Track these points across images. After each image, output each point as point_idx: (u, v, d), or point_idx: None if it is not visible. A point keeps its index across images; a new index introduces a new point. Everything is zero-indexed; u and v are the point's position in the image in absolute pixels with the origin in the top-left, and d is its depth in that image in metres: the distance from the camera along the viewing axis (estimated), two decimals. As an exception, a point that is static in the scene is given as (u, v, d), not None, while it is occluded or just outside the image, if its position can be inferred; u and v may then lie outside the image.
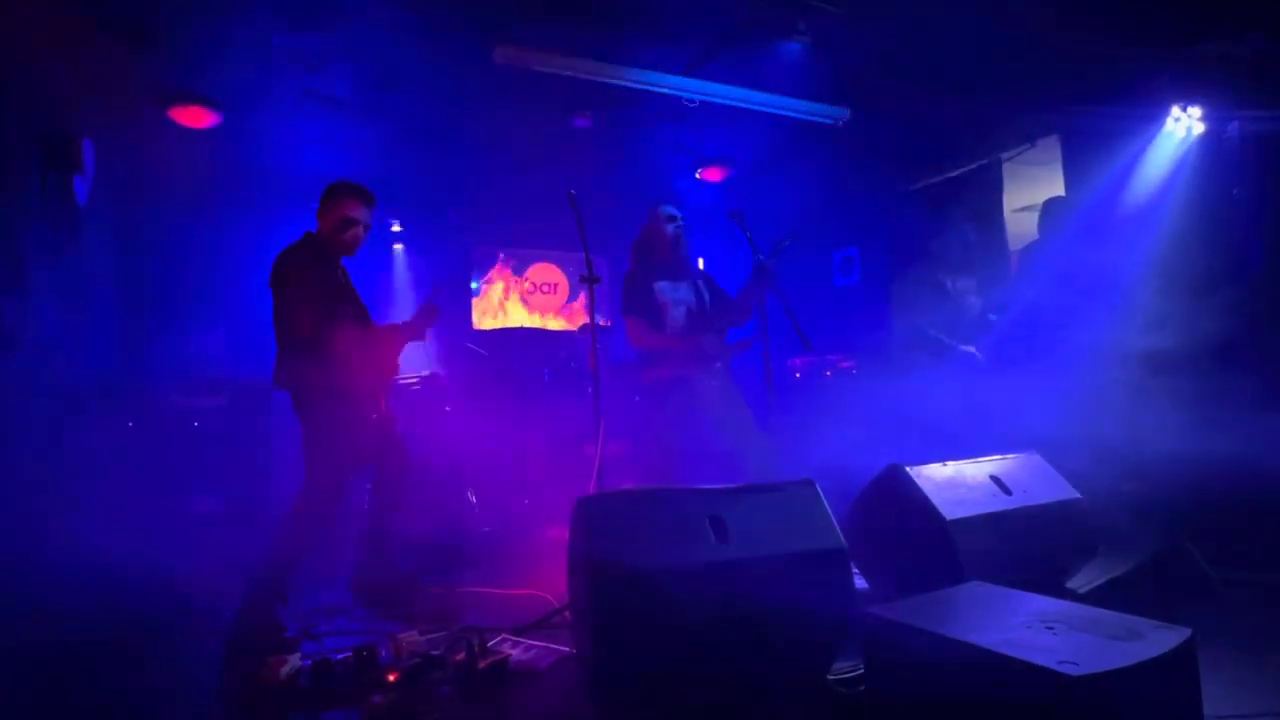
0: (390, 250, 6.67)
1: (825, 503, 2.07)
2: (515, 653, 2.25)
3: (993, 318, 3.88)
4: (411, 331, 3.01)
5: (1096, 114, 3.76)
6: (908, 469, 2.34)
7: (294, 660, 2.18)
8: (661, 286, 3.39)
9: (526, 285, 7.37)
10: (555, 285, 7.49)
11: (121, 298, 4.58)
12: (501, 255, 7.29)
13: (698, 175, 5.97)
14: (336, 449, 2.73)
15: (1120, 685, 1.22)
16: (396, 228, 6.31)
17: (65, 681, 2.29)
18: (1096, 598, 2.34)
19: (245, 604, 2.50)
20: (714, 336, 3.36)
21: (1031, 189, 5.04)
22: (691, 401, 3.28)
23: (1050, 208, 4.20)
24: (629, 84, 4.19)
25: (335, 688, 2.04)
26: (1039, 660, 1.25)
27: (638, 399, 3.55)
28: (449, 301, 6.43)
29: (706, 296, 3.48)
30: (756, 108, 4.51)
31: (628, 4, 3.62)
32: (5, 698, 2.17)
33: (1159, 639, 1.34)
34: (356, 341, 2.79)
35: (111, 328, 4.40)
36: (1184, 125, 3.50)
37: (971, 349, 3.76)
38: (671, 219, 3.45)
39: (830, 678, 1.90)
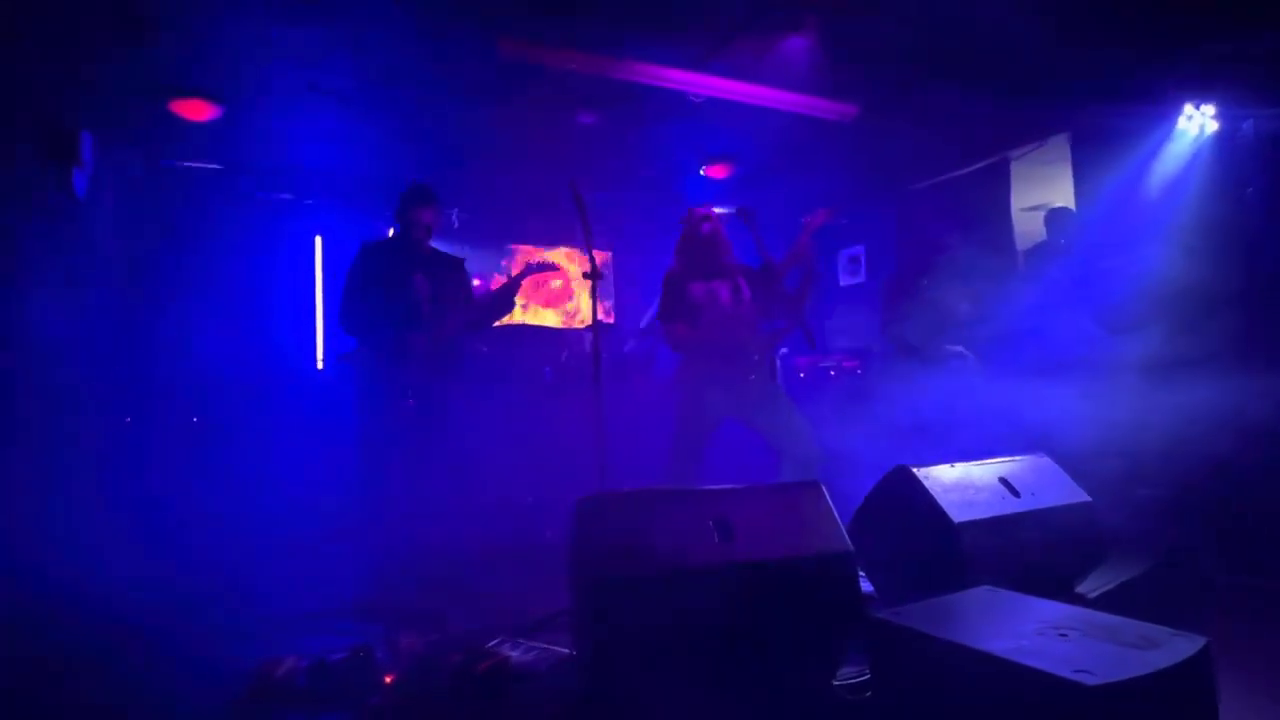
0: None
1: (831, 504, 2.04)
2: (515, 655, 2.22)
3: (959, 348, 3.79)
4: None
5: (1107, 112, 3.71)
6: (914, 470, 2.30)
7: (290, 661, 2.16)
8: (696, 287, 3.32)
9: (528, 281, 7.34)
10: (557, 281, 7.46)
11: (121, 292, 4.55)
12: (503, 251, 7.27)
13: (702, 172, 5.92)
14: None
15: (1138, 695, 1.18)
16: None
17: (63, 683, 2.26)
18: (1106, 603, 2.30)
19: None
20: (752, 333, 3.27)
21: (1040, 188, 4.99)
22: (724, 401, 3.23)
23: (1054, 219, 4.15)
24: (634, 79, 4.15)
25: (332, 689, 2.02)
26: (1054, 669, 1.21)
27: (668, 397, 3.48)
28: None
29: (747, 293, 3.38)
30: (762, 104, 4.47)
31: (633, -2, 3.58)
32: (4, 700, 2.15)
33: (1175, 647, 1.31)
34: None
35: (111, 323, 4.37)
36: (1197, 123, 3.45)
37: (960, 349, 3.69)
38: (706, 218, 3.38)
39: (836, 683, 1.87)
